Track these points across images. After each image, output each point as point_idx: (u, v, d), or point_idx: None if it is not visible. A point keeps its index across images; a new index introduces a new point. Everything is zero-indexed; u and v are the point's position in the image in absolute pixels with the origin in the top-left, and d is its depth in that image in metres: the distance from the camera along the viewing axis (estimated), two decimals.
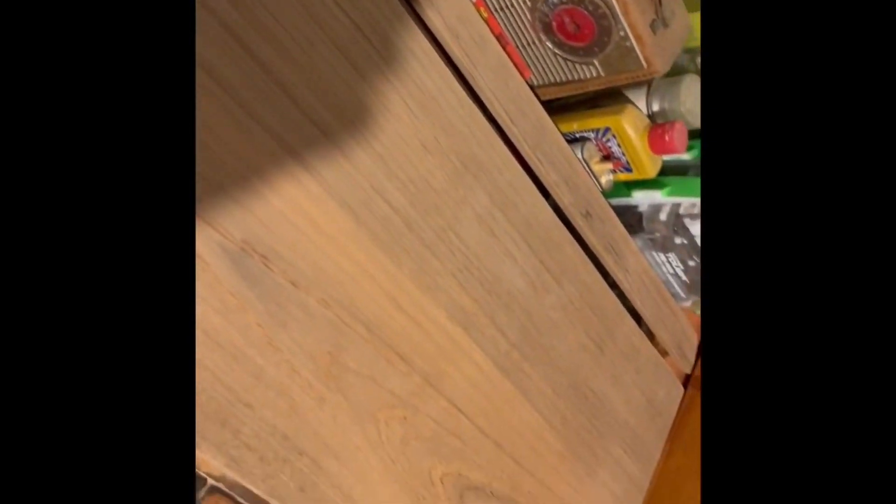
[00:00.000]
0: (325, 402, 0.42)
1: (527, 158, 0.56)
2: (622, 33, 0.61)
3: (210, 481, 0.42)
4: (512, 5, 0.64)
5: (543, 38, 0.65)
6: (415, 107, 0.46)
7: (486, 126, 0.51)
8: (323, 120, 0.42)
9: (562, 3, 0.61)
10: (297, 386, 0.41)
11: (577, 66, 0.66)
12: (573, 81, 0.68)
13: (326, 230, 0.42)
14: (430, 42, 0.48)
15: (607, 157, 0.68)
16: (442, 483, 0.49)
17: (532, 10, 0.63)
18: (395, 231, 0.46)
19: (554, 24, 0.63)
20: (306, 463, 0.41)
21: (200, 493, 0.42)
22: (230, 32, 0.37)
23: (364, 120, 0.44)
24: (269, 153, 0.39)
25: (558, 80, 0.67)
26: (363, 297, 0.44)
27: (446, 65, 0.49)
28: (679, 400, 0.73)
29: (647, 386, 0.68)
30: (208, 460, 0.37)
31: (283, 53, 0.40)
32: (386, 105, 0.45)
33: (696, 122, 0.66)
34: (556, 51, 0.66)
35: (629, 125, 0.64)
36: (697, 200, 0.65)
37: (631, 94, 0.68)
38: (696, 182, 0.66)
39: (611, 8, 0.59)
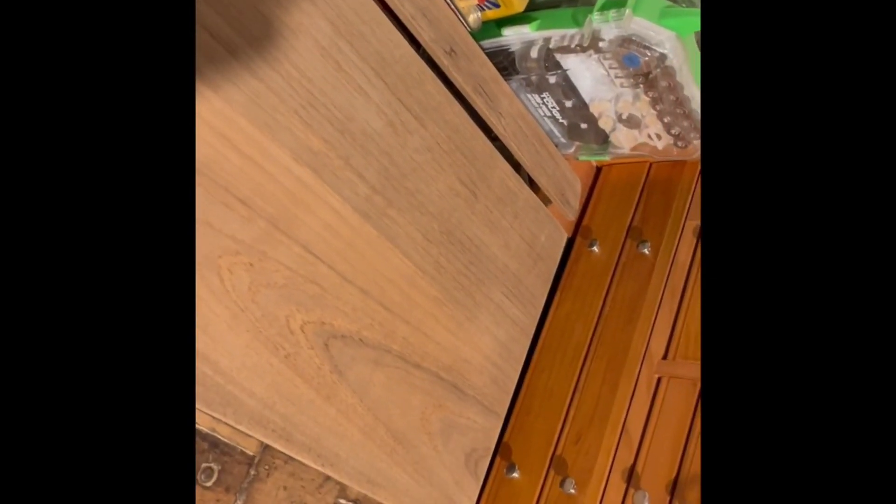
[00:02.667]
0: None
1: None
2: None
3: None
4: None
5: None
6: None
7: None
8: None
9: None
10: None
11: None
12: None
13: None
14: None
15: None
16: (303, 331, 0.47)
17: None
18: (219, 59, 0.41)
19: None
20: None
21: None
22: None
23: None
24: None
25: None
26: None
27: None
28: (562, 245, 0.73)
29: (527, 230, 0.67)
30: None
31: None
32: None
33: None
34: None
35: None
36: (568, 32, 0.62)
37: None
38: (566, 14, 0.63)
39: None
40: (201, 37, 0.40)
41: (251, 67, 0.43)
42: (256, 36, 0.43)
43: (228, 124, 0.42)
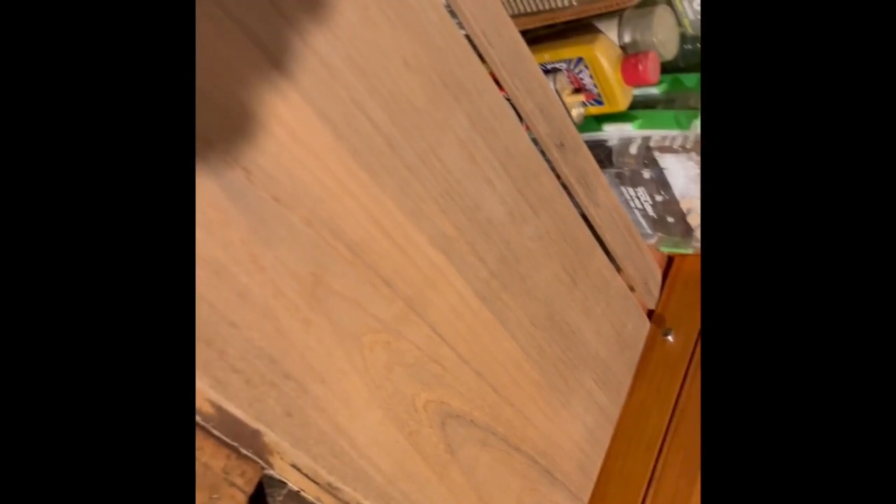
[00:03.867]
0: (311, 324, 0.41)
1: (504, 84, 0.55)
2: None
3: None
4: None
5: None
6: (394, 17, 0.44)
7: (465, 45, 0.50)
8: (298, 20, 0.39)
9: None
10: (282, 307, 0.39)
11: None
12: (545, 11, 0.66)
13: (307, 142, 0.40)
14: None
15: (579, 90, 0.67)
16: (425, 410, 0.48)
17: None
18: (377, 150, 0.44)
19: None
20: (292, 387, 0.40)
21: None
22: None
23: (341, 24, 0.41)
24: (245, 56, 0.37)
25: (531, 9, 0.66)
26: (346, 217, 0.42)
27: None
28: (645, 334, 0.74)
29: (617, 319, 0.68)
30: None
31: None
32: (364, 11, 0.42)
33: (668, 54, 0.66)
34: None
35: (602, 55, 0.63)
36: (667, 133, 0.65)
37: (602, 26, 0.67)
38: (666, 115, 0.66)
39: None
40: (365, 126, 0.43)
41: (405, 158, 0.45)
42: (411, 129, 0.46)
43: (381, 210, 0.44)
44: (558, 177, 0.61)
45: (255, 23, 0.37)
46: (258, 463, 0.42)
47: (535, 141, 0.59)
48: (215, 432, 0.40)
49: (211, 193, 0.36)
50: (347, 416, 0.43)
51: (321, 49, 0.40)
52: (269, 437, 0.39)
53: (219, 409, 0.38)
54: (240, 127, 0.37)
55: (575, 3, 0.64)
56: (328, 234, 0.41)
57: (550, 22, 0.67)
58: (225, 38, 0.36)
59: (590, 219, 0.65)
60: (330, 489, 0.44)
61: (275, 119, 0.38)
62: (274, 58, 0.38)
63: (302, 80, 0.39)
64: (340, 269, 0.42)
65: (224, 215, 0.36)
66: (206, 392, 0.36)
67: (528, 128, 0.58)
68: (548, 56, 0.66)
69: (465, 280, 0.51)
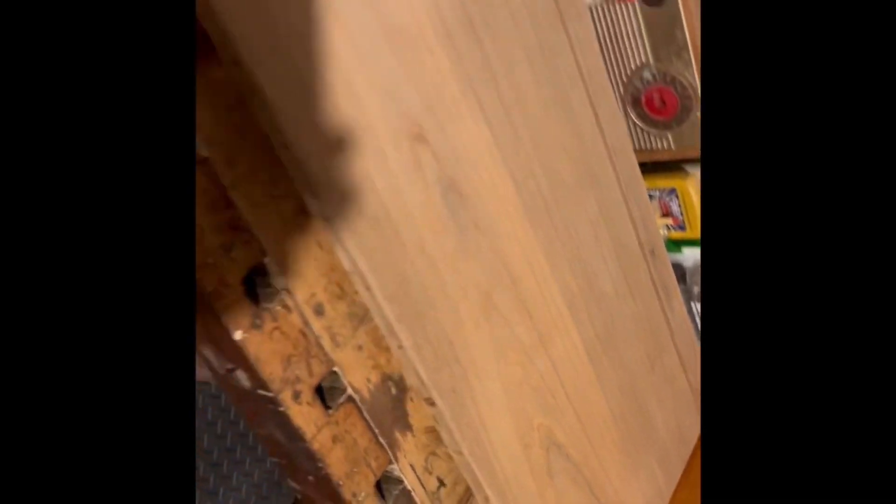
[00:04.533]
0: (480, 328, 0.51)
1: (621, 190, 0.68)
2: (699, 114, 0.76)
3: (349, 391, 0.50)
4: (609, 77, 0.79)
5: (630, 109, 0.79)
6: (563, 116, 0.59)
7: (603, 149, 0.64)
8: (510, 104, 0.53)
9: (655, 81, 0.76)
10: (464, 307, 0.50)
11: (653, 137, 0.80)
12: (644, 150, 0.82)
13: (499, 190, 0.53)
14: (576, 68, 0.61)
15: (665, 214, 0.81)
16: (538, 430, 0.57)
17: (626, 84, 0.78)
18: (539, 209, 0.57)
19: (643, 98, 0.78)
20: (458, 371, 0.50)
21: (339, 400, 0.50)
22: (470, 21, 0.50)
23: (531, 112, 0.56)
24: (478, 129, 0.51)
25: (636, 147, 0.81)
26: (512, 254, 0.54)
27: (584, 91, 0.62)
28: (698, 435, 0.82)
29: (679, 413, 0.77)
30: (399, 332, 0.46)
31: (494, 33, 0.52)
32: (545, 109, 0.57)
33: None
34: (638, 121, 0.80)
35: (694, 190, 0.78)
36: None
37: (689, 168, 0.82)
38: None
39: (695, 91, 0.74)
40: (533, 188, 0.56)
41: (554, 221, 0.58)
42: (560, 200, 0.59)
43: (533, 255, 0.56)
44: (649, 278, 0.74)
45: (486, 98, 0.51)
46: (387, 454, 0.52)
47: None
48: (366, 415, 0.50)
49: (438, 207, 0.48)
50: (489, 414, 0.52)
51: (518, 126, 0.54)
52: (437, 405, 0.49)
53: (367, 398, 0.48)
54: (459, 154, 0.50)
55: (674, 147, 0.79)
56: (500, 263, 0.53)
57: (649, 159, 0.82)
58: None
59: (667, 322, 0.77)
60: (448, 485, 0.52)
61: (482, 166, 0.51)
62: (491, 127, 0.52)
63: (503, 146, 0.53)
64: (504, 292, 0.53)
65: (444, 226, 0.49)
66: (409, 354, 0.47)
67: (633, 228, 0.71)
68: (646, 184, 0.81)
69: (578, 333, 0.61)
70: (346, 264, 0.45)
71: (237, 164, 0.43)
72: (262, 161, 0.44)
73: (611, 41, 0.76)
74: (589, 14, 0.68)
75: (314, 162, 0.42)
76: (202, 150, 0.42)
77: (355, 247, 0.44)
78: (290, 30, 0.41)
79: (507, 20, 0.53)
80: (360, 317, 0.49)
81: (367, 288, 0.45)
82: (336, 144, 0.43)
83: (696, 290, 0.82)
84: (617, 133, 0.67)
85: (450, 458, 0.53)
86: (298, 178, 0.43)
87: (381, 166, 0.45)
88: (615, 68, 0.78)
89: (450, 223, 0.49)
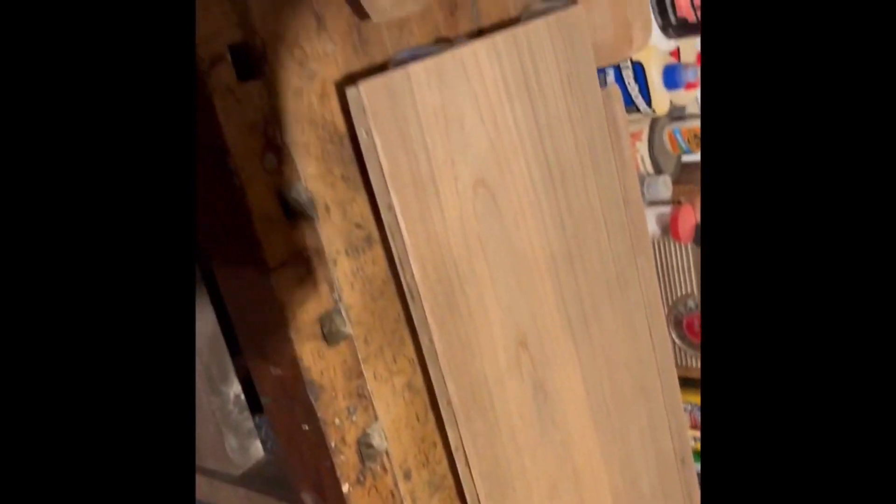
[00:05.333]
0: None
1: (665, 405, 0.78)
2: None
3: None
4: None
5: (671, 328, 0.91)
6: (628, 335, 0.70)
7: (654, 367, 0.74)
8: (590, 318, 0.64)
9: (697, 309, 0.88)
10: (536, 494, 0.58)
11: (689, 356, 0.90)
12: (680, 366, 0.92)
13: (575, 392, 0.63)
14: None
15: (695, 427, 0.90)
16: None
17: (671, 307, 0.90)
18: (602, 414, 0.66)
19: (685, 322, 0.89)
20: None
21: None
22: None
23: (609, 331, 0.66)
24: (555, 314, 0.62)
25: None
26: (578, 451, 0.63)
27: (645, 316, 0.73)
28: None
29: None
30: None
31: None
32: (624, 328, 0.68)
33: None
34: (677, 340, 0.91)
35: None
36: None
37: None
38: None
39: None
40: (602, 408, 0.66)
41: (613, 429, 0.67)
42: (619, 409, 0.68)
43: (593, 453, 0.65)
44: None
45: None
46: None
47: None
48: None
49: (529, 400, 0.58)
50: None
51: (596, 342, 0.65)
52: None
53: None
54: (550, 370, 0.60)
55: None
56: (567, 456, 0.62)
57: (683, 375, 0.92)
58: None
59: None
60: None
61: (564, 372, 0.62)
62: (575, 340, 0.63)
63: (582, 356, 0.63)
64: (566, 481, 0.62)
65: (531, 417, 0.58)
66: None
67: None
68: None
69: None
70: (453, 441, 0.54)
71: (371, 343, 0.54)
72: (390, 342, 0.54)
73: (663, 269, 0.89)
74: (652, 250, 0.81)
75: (447, 357, 0.52)
76: (348, 327, 0.53)
77: (466, 429, 0.53)
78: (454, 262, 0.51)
79: (596, 255, 0.65)
80: (437, 485, 0.57)
81: (467, 465, 0.54)
82: (465, 346, 0.54)
83: None
84: (665, 353, 0.77)
85: None
86: (434, 370, 0.53)
87: (494, 365, 0.55)
88: (663, 291, 0.90)
89: (535, 416, 0.58)
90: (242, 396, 0.69)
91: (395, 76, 0.42)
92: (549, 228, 0.58)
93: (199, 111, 0.42)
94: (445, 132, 0.46)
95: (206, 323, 0.65)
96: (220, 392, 0.67)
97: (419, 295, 0.48)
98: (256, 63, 0.44)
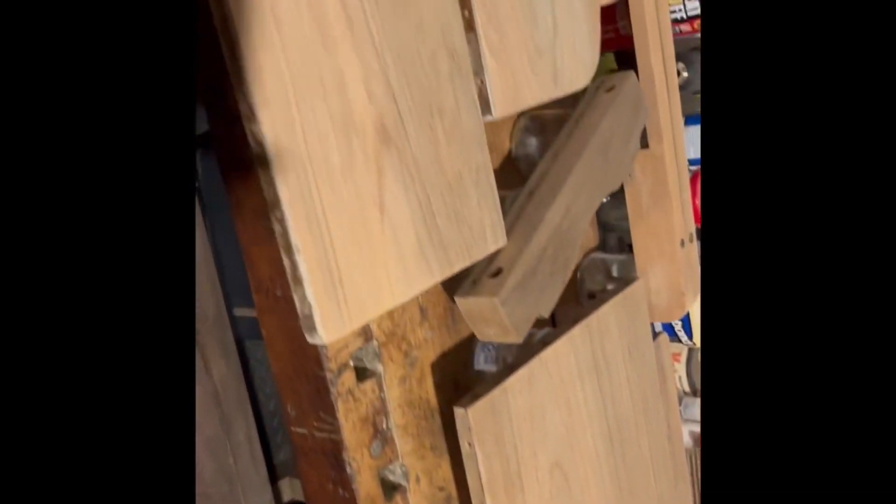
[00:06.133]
0: None
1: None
2: None
3: None
4: None
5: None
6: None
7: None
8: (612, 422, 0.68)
9: None
10: None
11: None
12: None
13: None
14: None
15: None
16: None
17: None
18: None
19: None
20: None
21: None
22: None
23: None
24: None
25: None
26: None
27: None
28: None
29: None
30: None
31: None
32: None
33: None
34: None
35: None
36: None
37: None
38: None
39: None
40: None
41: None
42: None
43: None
44: None
45: None
46: None
47: None
48: None
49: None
50: None
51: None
52: None
53: None
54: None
55: None
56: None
57: None
58: None
59: None
60: None
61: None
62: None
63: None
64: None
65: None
66: None
67: None
68: None
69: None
70: None
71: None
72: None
73: (697, 481, 0.93)
74: (688, 465, 0.85)
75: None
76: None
77: None
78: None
79: (644, 497, 0.70)
80: None
81: None
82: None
83: None
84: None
85: None
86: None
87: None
88: (694, 498, 0.94)
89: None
90: None
91: (495, 396, 0.48)
92: (608, 487, 0.62)
93: (321, 410, 0.48)
94: (531, 428, 0.51)
95: None
96: None
97: None
98: (370, 365, 0.50)
